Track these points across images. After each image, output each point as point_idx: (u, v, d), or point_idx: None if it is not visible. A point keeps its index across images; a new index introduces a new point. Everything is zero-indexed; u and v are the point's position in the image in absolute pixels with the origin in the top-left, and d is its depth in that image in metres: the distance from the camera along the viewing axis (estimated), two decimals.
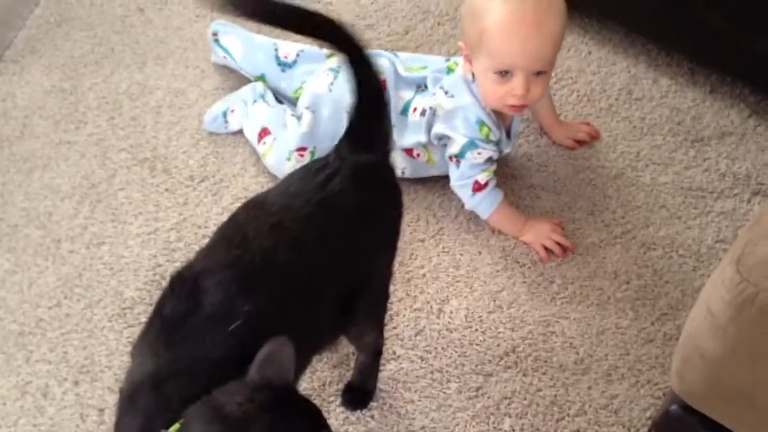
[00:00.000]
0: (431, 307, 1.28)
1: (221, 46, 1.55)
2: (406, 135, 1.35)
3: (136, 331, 1.23)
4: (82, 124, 1.53)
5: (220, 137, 1.50)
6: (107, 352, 1.22)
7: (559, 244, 1.32)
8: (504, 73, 1.19)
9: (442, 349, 1.23)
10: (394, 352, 1.22)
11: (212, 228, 1.36)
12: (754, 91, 1.56)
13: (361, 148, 0.97)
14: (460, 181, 1.32)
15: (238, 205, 1.36)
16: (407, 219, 1.37)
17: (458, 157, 1.30)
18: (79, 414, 1.16)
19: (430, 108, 1.32)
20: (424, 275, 1.31)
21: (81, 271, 1.31)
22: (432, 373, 1.21)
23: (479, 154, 1.29)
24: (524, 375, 1.21)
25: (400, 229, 1.06)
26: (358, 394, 1.17)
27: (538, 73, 1.20)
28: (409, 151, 1.37)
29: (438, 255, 1.34)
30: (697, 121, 1.53)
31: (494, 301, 1.28)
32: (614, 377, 1.21)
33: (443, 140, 1.32)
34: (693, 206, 1.41)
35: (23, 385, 1.19)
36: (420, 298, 1.29)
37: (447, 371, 1.21)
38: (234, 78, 1.61)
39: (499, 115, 1.30)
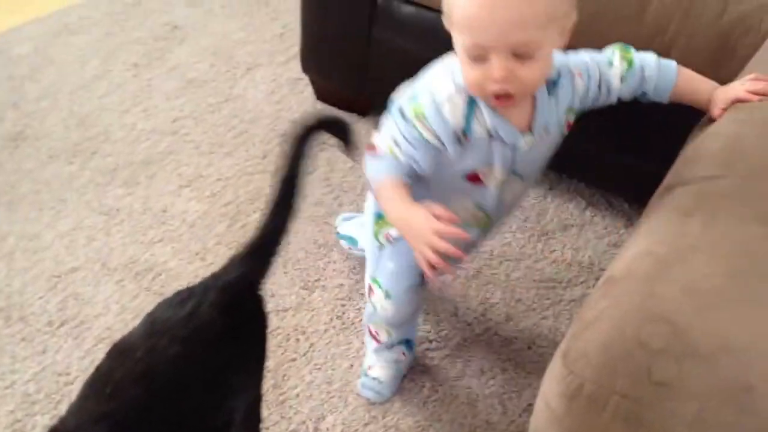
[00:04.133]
0: (307, 426, 1.28)
1: (342, 236, 1.52)
2: None
3: None
4: None
5: (78, 278, 1.47)
6: None
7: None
8: (478, 57, 0.93)
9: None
10: None
11: (74, 374, 1.32)
12: (588, 186, 1.71)
13: (230, 266, 0.99)
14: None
15: (101, 346, 1.35)
16: (277, 340, 1.38)
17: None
18: None
19: None
20: (297, 395, 1.32)
21: None
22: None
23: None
24: None
25: (266, 348, 1.06)
26: None
27: (523, 57, 0.92)
28: None
29: (310, 373, 1.35)
30: (541, 216, 1.65)
31: (369, 412, 1.30)
32: None
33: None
34: (545, 297, 1.50)
35: None
36: (295, 418, 1.28)
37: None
38: (92, 215, 1.60)
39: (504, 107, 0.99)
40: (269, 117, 1.93)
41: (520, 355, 1.40)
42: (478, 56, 0.93)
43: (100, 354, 1.33)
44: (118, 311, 1.42)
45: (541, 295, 1.50)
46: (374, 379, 1.32)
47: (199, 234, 1.59)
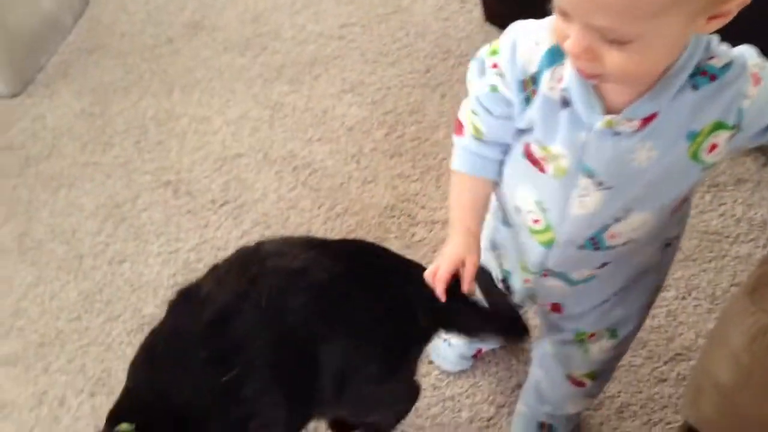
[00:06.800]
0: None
1: None
2: None
3: None
4: (109, 146, 1.57)
5: (242, 163, 1.53)
6: (124, 366, 1.22)
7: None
8: (563, 13, 0.66)
9: (455, 378, 1.24)
10: None
11: (231, 250, 1.37)
12: None
13: None
14: None
15: (257, 229, 1.40)
16: None
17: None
18: (93, 425, 1.17)
19: None
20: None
21: (102, 287, 1.33)
22: (444, 401, 1.21)
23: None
24: None
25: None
26: None
27: (613, 41, 0.63)
28: None
29: None
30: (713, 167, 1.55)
31: None
32: (626, 414, 1.20)
33: None
34: (708, 249, 1.41)
35: (40, 395, 1.20)
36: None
37: (459, 400, 1.21)
38: (258, 107, 1.65)
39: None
40: (435, 33, 1.89)
41: (673, 303, 1.34)
42: (563, 12, 0.66)
43: (255, 236, 1.40)
44: (275, 200, 1.47)
45: (704, 247, 1.41)
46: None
47: (356, 138, 1.61)
